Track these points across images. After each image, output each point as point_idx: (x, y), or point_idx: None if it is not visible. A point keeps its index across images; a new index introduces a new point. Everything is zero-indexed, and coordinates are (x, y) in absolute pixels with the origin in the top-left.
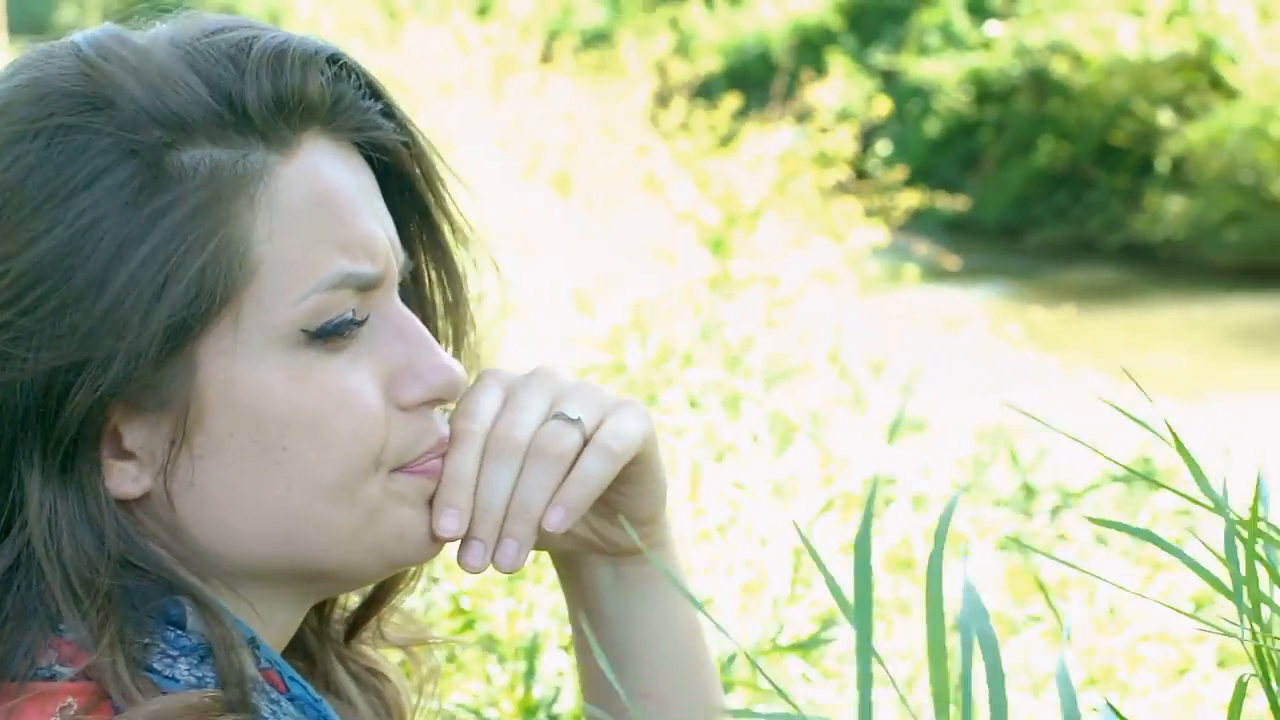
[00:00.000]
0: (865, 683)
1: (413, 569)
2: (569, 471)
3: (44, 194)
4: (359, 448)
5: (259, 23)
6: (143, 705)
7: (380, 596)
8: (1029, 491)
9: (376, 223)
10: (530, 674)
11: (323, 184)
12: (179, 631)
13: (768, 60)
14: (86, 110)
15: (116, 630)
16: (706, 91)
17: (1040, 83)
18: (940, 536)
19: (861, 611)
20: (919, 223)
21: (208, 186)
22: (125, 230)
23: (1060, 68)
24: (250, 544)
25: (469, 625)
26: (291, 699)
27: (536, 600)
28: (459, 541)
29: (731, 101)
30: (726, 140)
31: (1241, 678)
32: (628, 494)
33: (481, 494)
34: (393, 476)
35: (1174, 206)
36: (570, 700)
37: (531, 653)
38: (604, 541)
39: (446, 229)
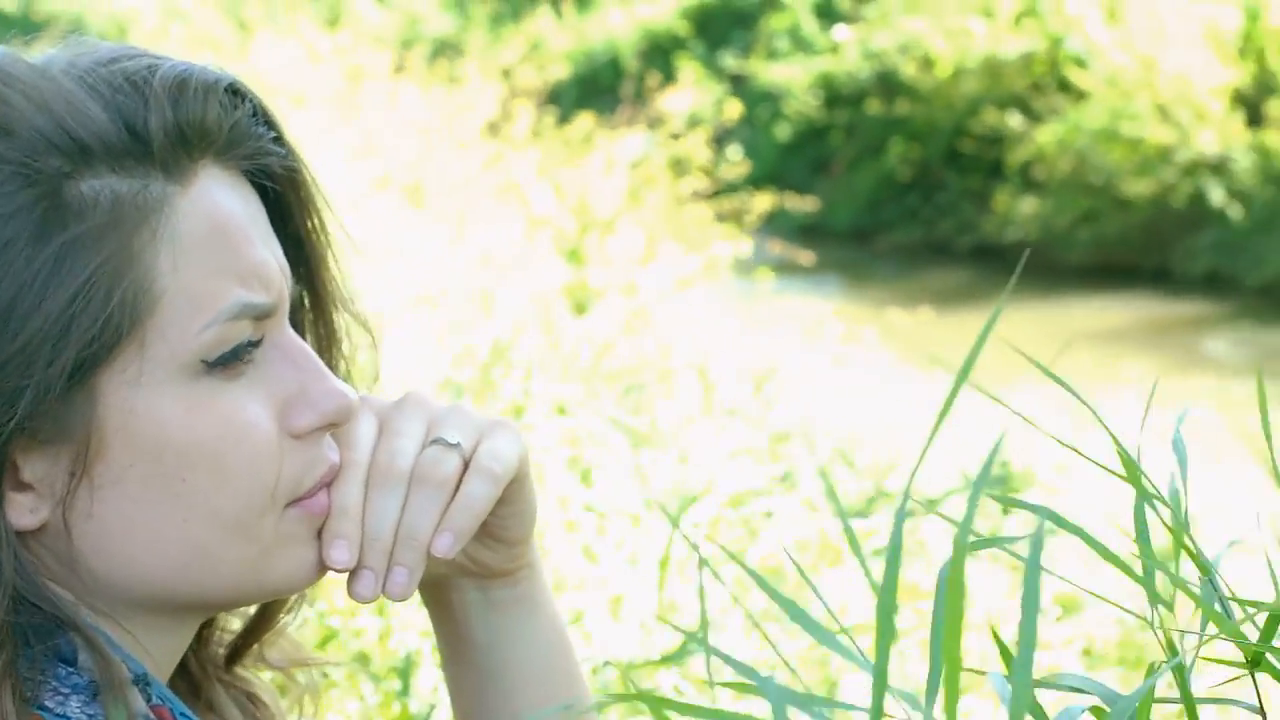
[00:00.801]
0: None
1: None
2: (453, 497)
3: None
4: (256, 481)
5: (152, 50)
6: None
7: (263, 622)
8: (884, 498)
9: (268, 251)
10: (405, 692)
11: (219, 214)
12: (70, 669)
13: (617, 67)
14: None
15: (5, 665)
16: (556, 99)
17: (889, 85)
18: (965, 528)
19: (883, 624)
20: (772, 227)
21: (109, 217)
22: (29, 263)
23: (909, 69)
24: (146, 574)
25: (332, 639)
26: None
27: (407, 619)
28: (348, 572)
29: (582, 110)
30: (577, 148)
31: (1152, 664)
32: (502, 515)
33: (369, 523)
34: (285, 514)
35: (1025, 207)
36: (446, 715)
37: (405, 671)
38: (475, 564)
39: (330, 257)
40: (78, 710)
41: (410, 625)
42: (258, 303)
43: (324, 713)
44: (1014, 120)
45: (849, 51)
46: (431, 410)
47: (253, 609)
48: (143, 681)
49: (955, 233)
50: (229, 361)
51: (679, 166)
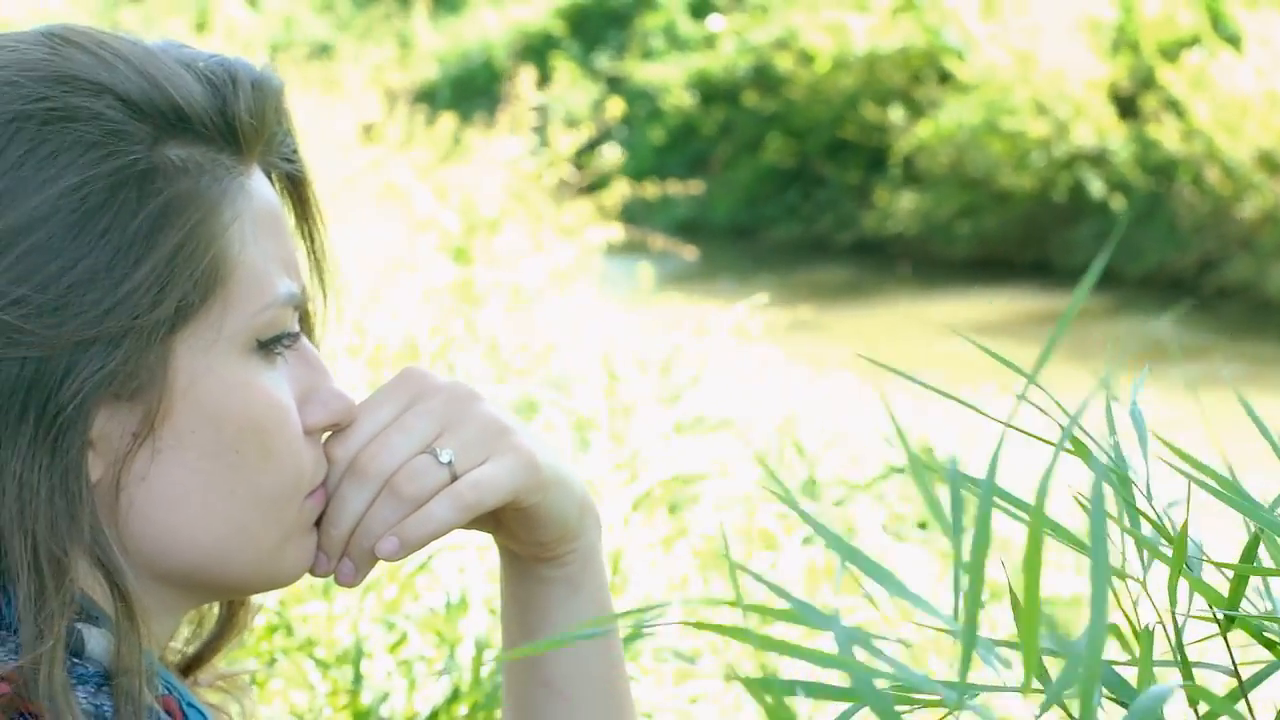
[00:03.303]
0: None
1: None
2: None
3: (43, 177)
4: (293, 465)
5: None
6: None
7: (223, 638)
8: (814, 485)
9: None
10: (357, 679)
11: (272, 204)
12: (75, 659)
13: (491, 67)
14: (86, 94)
15: (63, 630)
16: (430, 99)
17: (766, 80)
18: (1041, 493)
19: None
20: (652, 222)
21: (199, 185)
22: (130, 220)
23: (786, 64)
24: (181, 546)
25: (281, 630)
26: None
27: (358, 606)
28: None
29: (456, 111)
30: (452, 149)
31: (1146, 628)
32: (518, 525)
33: (331, 510)
34: (304, 503)
35: (905, 202)
36: (400, 702)
37: (356, 658)
38: (514, 545)
39: (320, 266)
40: (84, 701)
41: (361, 610)
42: (298, 294)
43: (269, 703)
44: (894, 114)
45: (725, 45)
46: (454, 415)
47: (211, 619)
48: (150, 670)
49: (835, 228)
50: (274, 346)
51: (557, 165)
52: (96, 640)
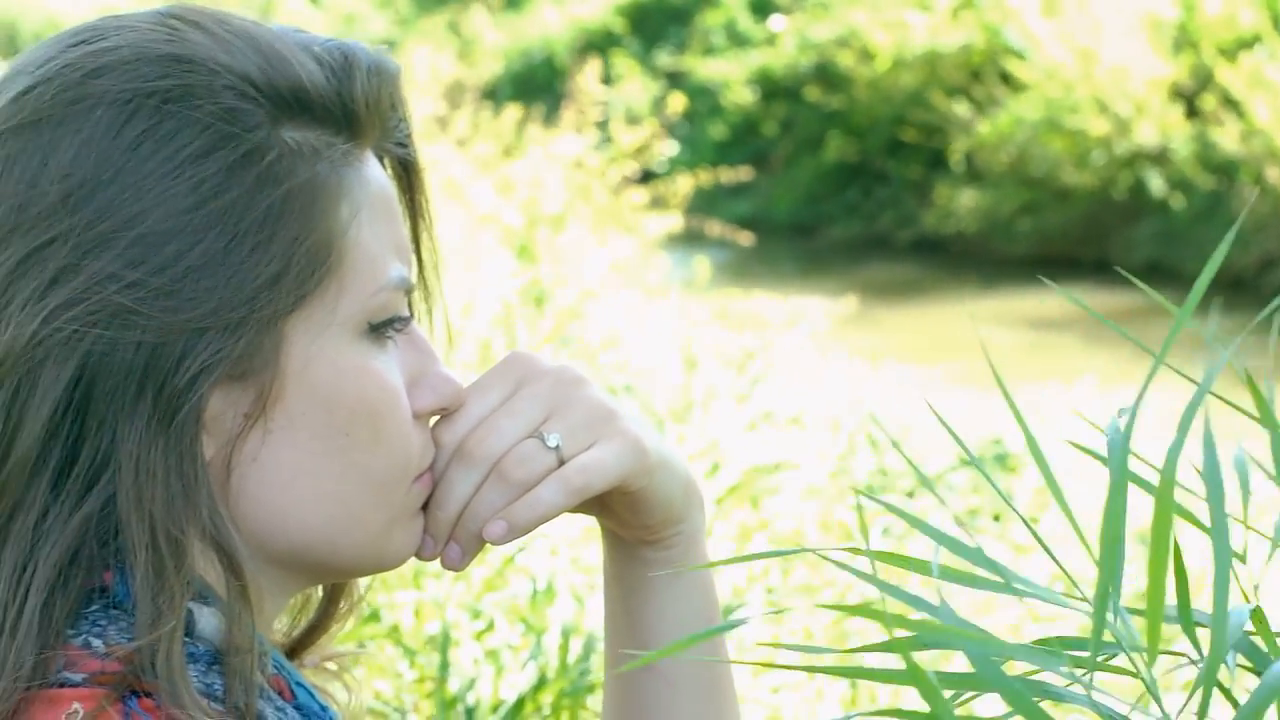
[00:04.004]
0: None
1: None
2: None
3: (160, 158)
4: (402, 449)
5: None
6: None
7: (326, 622)
8: (884, 476)
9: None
10: (444, 666)
11: (385, 188)
12: (186, 639)
13: (552, 64)
14: (205, 74)
15: (183, 611)
16: (492, 96)
17: (827, 77)
18: (1172, 460)
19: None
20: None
21: (314, 169)
22: (252, 203)
23: (847, 61)
24: (291, 527)
25: (374, 618)
26: (297, 706)
27: (445, 594)
28: None
29: (516, 107)
30: (514, 145)
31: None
32: (624, 509)
33: (438, 494)
34: (412, 486)
35: (965, 200)
36: (487, 690)
37: (444, 645)
38: (618, 529)
39: (428, 251)
40: (196, 680)
41: (449, 598)
42: (408, 278)
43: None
44: (955, 111)
45: (786, 43)
46: (560, 399)
47: (312, 607)
48: (261, 650)
49: (896, 226)
50: (385, 330)
51: (619, 162)
52: (207, 620)
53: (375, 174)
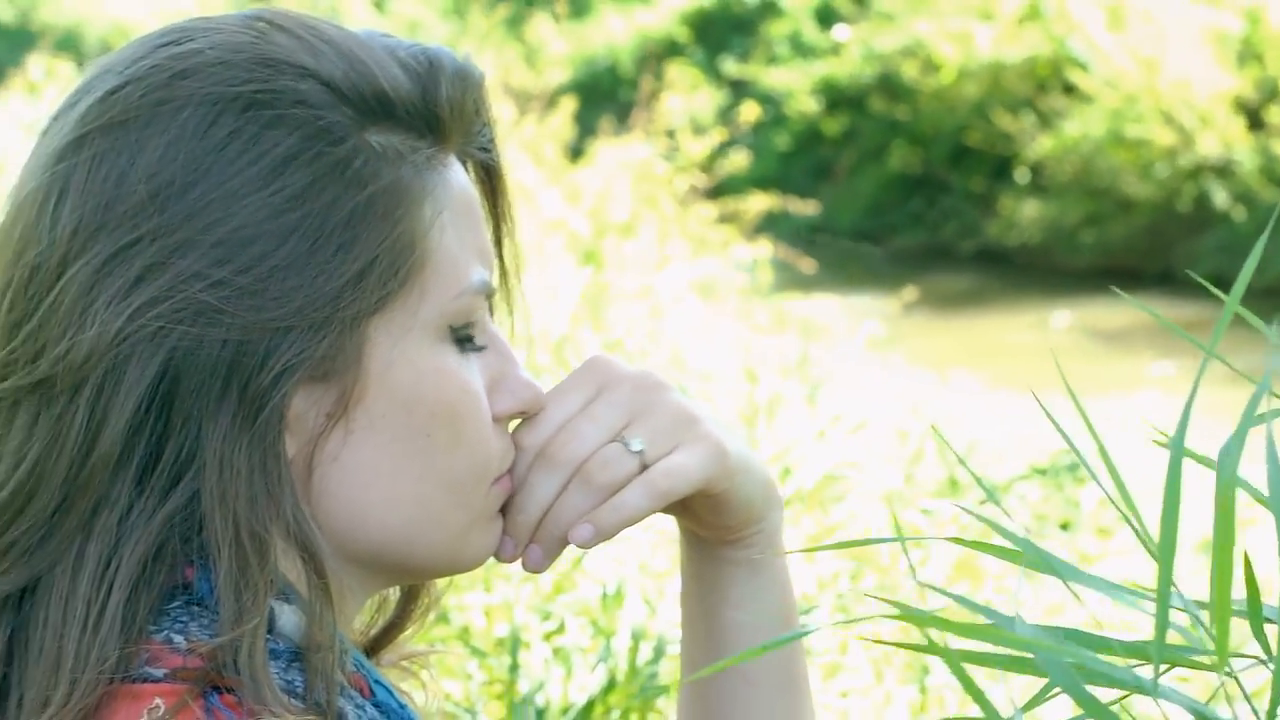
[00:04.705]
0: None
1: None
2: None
3: (247, 160)
4: (482, 451)
5: None
6: None
7: (403, 622)
8: (954, 485)
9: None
10: (514, 668)
11: (468, 192)
12: (268, 636)
13: (616, 73)
14: (292, 78)
15: (266, 608)
16: (557, 104)
17: (891, 87)
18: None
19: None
20: (773, 230)
21: (398, 173)
22: (329, 203)
23: (911, 72)
24: (370, 527)
25: (444, 620)
26: (376, 704)
27: (515, 595)
28: None
29: (572, 108)
30: (578, 153)
31: None
32: (706, 510)
33: (520, 497)
34: (491, 489)
35: (1029, 211)
36: (556, 692)
37: (513, 647)
38: (696, 527)
39: (510, 256)
40: (276, 677)
41: (518, 600)
42: (490, 281)
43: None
44: (1019, 122)
45: (850, 53)
46: (642, 403)
47: (392, 602)
48: (342, 647)
49: (959, 236)
50: (466, 333)
51: (687, 171)
52: (288, 617)
53: (458, 178)
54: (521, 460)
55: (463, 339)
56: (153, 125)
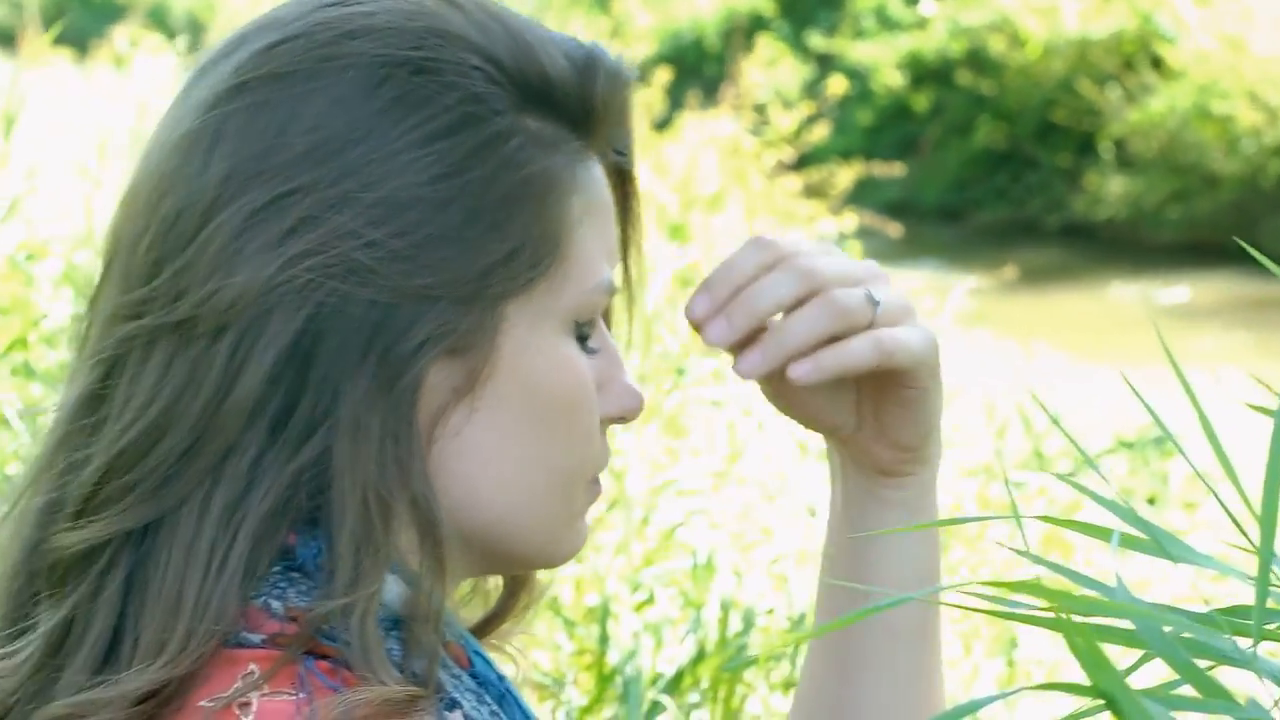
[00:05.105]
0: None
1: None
2: (836, 336)
3: (409, 124)
4: (589, 447)
5: None
6: (337, 697)
7: (506, 611)
8: (1041, 458)
9: None
10: (604, 639)
11: (605, 190)
12: None
13: (701, 47)
14: (459, 50)
15: (383, 575)
16: (641, 77)
17: (978, 62)
18: None
19: None
20: (859, 202)
21: (552, 160)
22: (486, 179)
23: (998, 47)
24: (478, 506)
25: None
26: (474, 674)
27: (606, 566)
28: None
29: (663, 79)
30: (663, 125)
31: None
32: (894, 414)
33: (749, 291)
34: (589, 487)
35: (1115, 186)
36: (646, 662)
37: (603, 618)
38: (866, 453)
39: (635, 261)
40: None
41: (609, 569)
42: (615, 283)
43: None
44: (1105, 97)
45: (936, 27)
46: (873, 272)
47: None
48: (444, 618)
49: (1045, 211)
50: (586, 330)
51: (775, 145)
52: (390, 586)
53: (599, 175)
54: (747, 259)
55: (582, 336)
56: (317, 80)
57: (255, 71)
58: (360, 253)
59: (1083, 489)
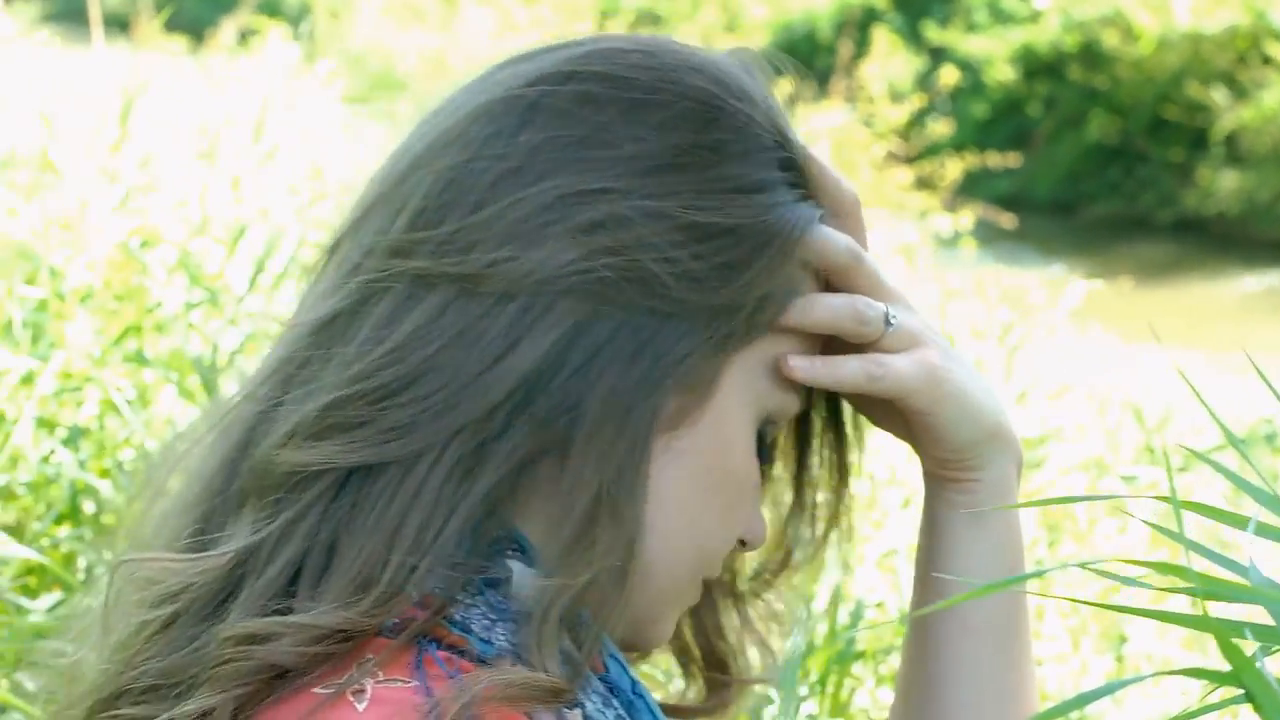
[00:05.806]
0: None
1: None
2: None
3: (731, 169)
4: (729, 539)
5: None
6: (456, 683)
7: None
8: (1151, 453)
9: None
10: None
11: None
12: (501, 597)
13: (814, 39)
14: (761, 113)
15: (590, 576)
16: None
17: (1091, 57)
18: None
19: None
20: (971, 194)
21: (794, 223)
22: (771, 230)
23: (1111, 41)
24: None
25: None
26: (605, 679)
27: None
28: None
29: (784, 80)
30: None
31: None
32: (917, 430)
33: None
34: (699, 583)
35: (1227, 182)
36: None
37: None
38: (922, 459)
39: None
40: (502, 639)
41: None
42: (801, 401)
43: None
44: (1218, 94)
45: (1049, 21)
46: (904, 299)
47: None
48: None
49: (1156, 206)
50: (766, 430)
51: (886, 137)
52: (530, 582)
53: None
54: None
55: (761, 436)
56: (653, 95)
57: (589, 67)
58: (659, 266)
59: (1225, 471)
